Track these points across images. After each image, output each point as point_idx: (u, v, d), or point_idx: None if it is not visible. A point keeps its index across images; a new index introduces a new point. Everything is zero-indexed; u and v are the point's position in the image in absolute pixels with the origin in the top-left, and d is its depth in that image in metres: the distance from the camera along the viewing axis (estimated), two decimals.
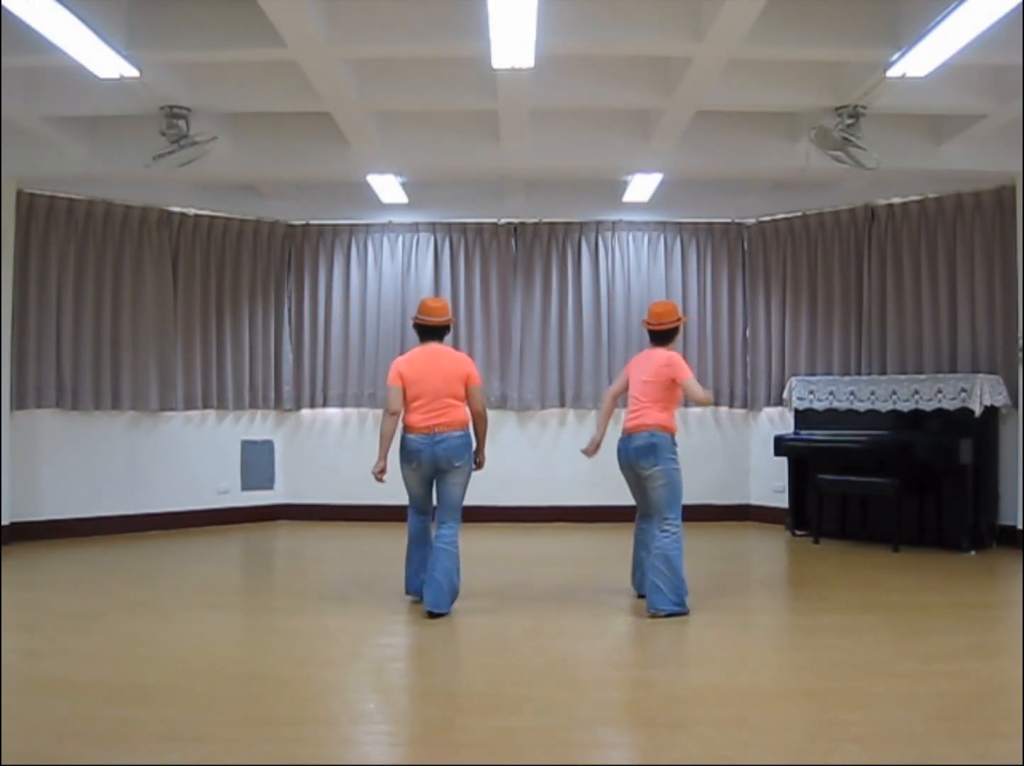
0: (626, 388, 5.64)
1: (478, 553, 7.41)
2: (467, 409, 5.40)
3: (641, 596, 5.53)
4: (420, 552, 5.46)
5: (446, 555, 5.25)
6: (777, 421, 8.74)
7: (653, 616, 5.19)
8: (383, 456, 5.33)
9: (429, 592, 5.21)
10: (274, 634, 5.01)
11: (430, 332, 5.52)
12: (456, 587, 5.31)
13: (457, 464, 5.26)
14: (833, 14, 5.36)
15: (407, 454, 5.31)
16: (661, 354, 5.50)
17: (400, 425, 5.38)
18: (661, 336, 5.54)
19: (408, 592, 5.56)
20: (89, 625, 5.05)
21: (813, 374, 8.40)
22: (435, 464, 5.27)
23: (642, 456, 5.34)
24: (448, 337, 8.62)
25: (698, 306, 8.98)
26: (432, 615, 5.15)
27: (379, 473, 5.36)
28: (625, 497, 8.29)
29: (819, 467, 7.78)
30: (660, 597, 5.20)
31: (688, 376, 5.39)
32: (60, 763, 3.10)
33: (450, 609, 5.25)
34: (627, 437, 5.44)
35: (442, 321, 5.55)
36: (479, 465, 5.52)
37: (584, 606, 5.56)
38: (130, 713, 3.59)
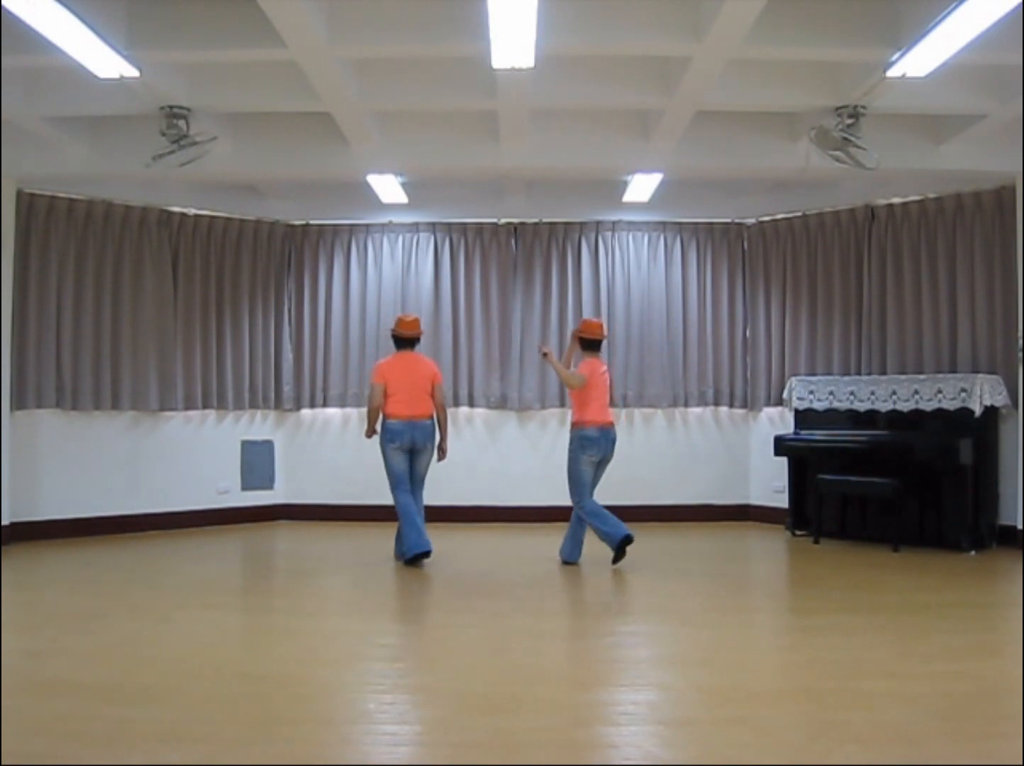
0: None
1: (478, 552, 7.44)
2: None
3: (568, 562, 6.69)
4: (418, 519, 6.66)
5: (423, 515, 6.77)
6: (777, 421, 8.74)
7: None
8: (371, 424, 6.77)
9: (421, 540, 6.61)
10: (274, 634, 5.01)
11: (406, 342, 6.95)
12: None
13: (428, 445, 6.77)
14: (833, 14, 5.36)
15: (392, 435, 6.67)
16: (605, 368, 6.79)
17: (382, 415, 6.73)
18: (600, 346, 6.81)
19: (410, 557, 6.58)
20: (89, 625, 5.05)
21: (813, 374, 8.41)
22: (412, 444, 6.68)
23: (613, 445, 6.66)
24: (448, 335, 8.88)
25: (698, 306, 8.98)
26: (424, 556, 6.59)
27: (368, 434, 6.81)
28: (626, 497, 8.34)
29: (819, 467, 7.78)
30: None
31: None
32: (60, 763, 3.10)
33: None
34: (607, 429, 6.59)
35: (416, 334, 6.99)
36: (443, 453, 6.89)
37: (584, 605, 5.56)
38: (130, 713, 3.59)
